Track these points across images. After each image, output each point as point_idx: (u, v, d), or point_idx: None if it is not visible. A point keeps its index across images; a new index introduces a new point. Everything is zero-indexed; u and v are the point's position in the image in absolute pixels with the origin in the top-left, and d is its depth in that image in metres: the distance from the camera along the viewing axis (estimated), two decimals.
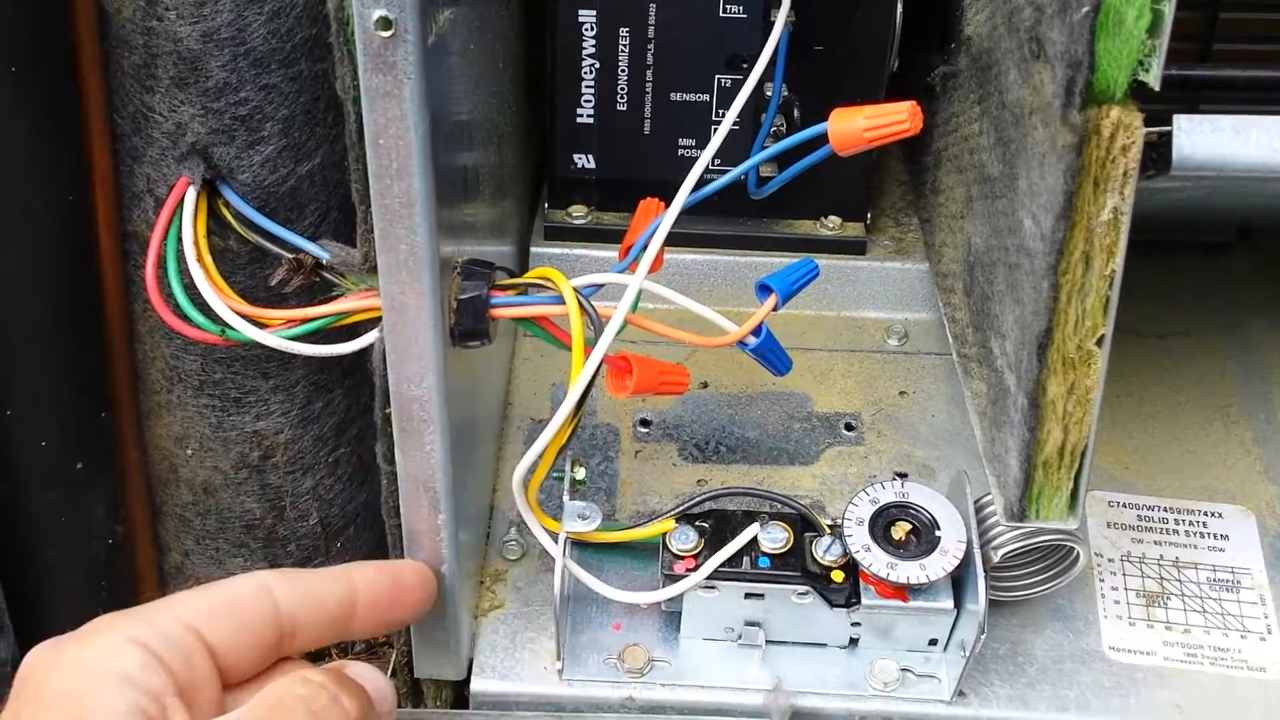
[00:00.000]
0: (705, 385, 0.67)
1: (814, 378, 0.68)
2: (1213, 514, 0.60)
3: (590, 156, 0.70)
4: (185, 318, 0.52)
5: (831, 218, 0.71)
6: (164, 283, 0.52)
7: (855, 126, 0.49)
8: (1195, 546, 0.59)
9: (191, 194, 0.52)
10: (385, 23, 0.43)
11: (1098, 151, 0.44)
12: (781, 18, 0.62)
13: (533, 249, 0.71)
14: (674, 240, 0.54)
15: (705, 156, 0.54)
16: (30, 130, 0.50)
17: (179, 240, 0.52)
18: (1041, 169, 0.47)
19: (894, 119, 0.48)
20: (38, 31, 0.49)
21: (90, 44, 0.50)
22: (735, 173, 0.54)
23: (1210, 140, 0.46)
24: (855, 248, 0.71)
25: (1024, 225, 0.49)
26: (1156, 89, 0.43)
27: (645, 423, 0.65)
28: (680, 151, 0.70)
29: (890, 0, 0.65)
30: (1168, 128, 0.47)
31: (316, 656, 0.55)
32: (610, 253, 0.71)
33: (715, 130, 0.69)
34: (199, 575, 0.63)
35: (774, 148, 0.53)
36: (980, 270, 0.57)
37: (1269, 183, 0.47)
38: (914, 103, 0.48)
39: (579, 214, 0.71)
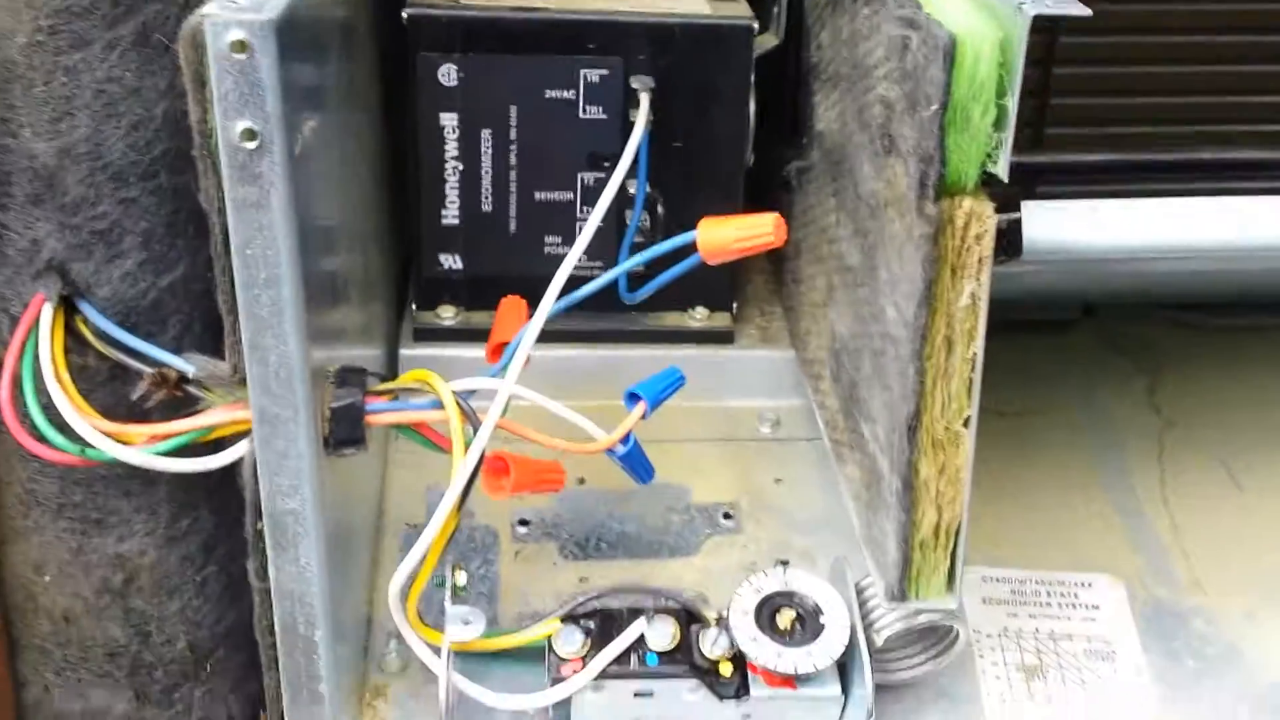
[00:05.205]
0: (582, 481, 0.67)
1: (690, 469, 0.68)
2: (1083, 584, 0.62)
3: (457, 256, 0.70)
4: (43, 438, 0.50)
5: (699, 309, 0.72)
6: (20, 403, 0.50)
7: (725, 236, 0.50)
8: (1069, 618, 0.60)
9: (48, 311, 0.50)
10: (250, 134, 0.43)
11: (953, 240, 0.46)
12: (641, 119, 0.63)
13: (402, 351, 0.71)
14: (544, 337, 0.55)
15: (569, 261, 0.55)
16: None
17: (35, 359, 0.50)
18: (900, 258, 0.48)
19: (760, 231, 0.49)
20: None
21: None
22: (604, 280, 0.54)
23: (1059, 225, 0.48)
24: (723, 337, 0.72)
25: (887, 313, 0.51)
26: (1005, 180, 0.45)
27: (524, 522, 0.64)
28: (547, 249, 0.70)
29: (744, 98, 0.67)
30: (1017, 214, 0.49)
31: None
32: (481, 352, 0.71)
33: (580, 226, 0.71)
34: (59, 710, 0.60)
35: (642, 255, 0.54)
36: (847, 357, 0.58)
37: (1116, 263, 0.49)
38: (778, 215, 0.49)
39: (448, 315, 0.71)
